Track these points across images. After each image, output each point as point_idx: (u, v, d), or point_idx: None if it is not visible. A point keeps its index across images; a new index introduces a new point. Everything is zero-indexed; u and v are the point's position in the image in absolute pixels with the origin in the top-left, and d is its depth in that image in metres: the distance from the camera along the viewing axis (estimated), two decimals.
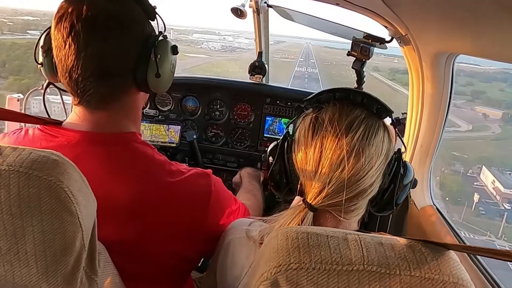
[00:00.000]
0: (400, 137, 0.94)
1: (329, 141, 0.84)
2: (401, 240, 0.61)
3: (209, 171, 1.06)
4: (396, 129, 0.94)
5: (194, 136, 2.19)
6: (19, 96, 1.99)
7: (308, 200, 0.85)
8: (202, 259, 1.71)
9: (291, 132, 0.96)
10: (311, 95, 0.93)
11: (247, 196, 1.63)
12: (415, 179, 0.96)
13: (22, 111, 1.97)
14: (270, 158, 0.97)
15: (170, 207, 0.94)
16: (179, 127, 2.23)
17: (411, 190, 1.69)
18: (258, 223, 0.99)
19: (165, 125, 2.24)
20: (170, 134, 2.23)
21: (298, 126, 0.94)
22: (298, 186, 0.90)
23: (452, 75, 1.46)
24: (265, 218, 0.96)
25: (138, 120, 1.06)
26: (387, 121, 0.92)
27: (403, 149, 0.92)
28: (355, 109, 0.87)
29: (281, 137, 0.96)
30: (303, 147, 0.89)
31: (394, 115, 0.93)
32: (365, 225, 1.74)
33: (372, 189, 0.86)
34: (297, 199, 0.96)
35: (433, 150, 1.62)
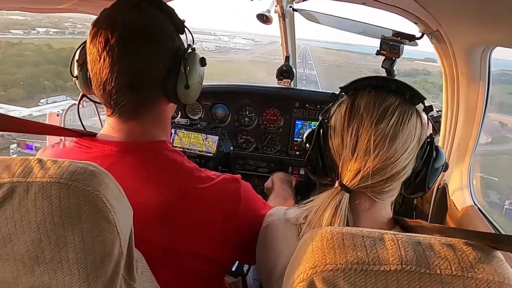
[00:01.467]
0: (431, 122, 0.96)
1: (365, 126, 0.88)
2: (441, 239, 0.59)
3: (238, 176, 1.07)
4: (428, 114, 0.96)
5: (231, 148, 2.22)
6: (58, 112, 2.09)
7: (344, 183, 0.90)
8: (237, 265, 1.73)
9: (326, 120, 0.99)
10: (347, 83, 0.97)
11: (278, 201, 1.63)
12: (446, 163, 0.99)
13: (62, 125, 2.07)
14: (307, 144, 1.01)
15: (200, 212, 0.96)
16: (217, 137, 2.26)
17: (450, 190, 1.64)
18: (294, 209, 1.04)
19: (203, 134, 2.27)
20: (208, 143, 2.27)
21: (334, 113, 0.97)
22: (334, 169, 0.95)
23: (489, 70, 1.40)
24: (300, 204, 1.01)
25: (168, 129, 1.09)
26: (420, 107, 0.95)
27: (435, 134, 0.95)
28: (389, 96, 0.91)
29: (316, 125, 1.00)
30: (340, 132, 0.93)
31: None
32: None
33: (406, 171, 0.90)
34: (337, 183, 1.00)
35: (472, 148, 1.55)
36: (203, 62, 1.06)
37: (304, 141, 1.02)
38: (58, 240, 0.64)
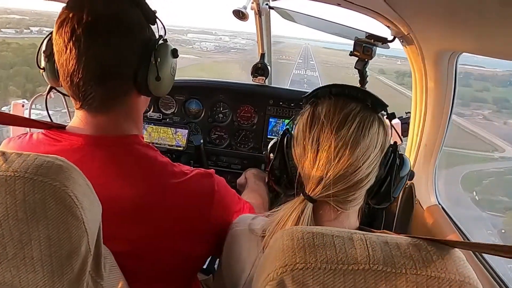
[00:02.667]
0: (395, 130, 0.97)
1: (325, 133, 0.88)
2: (407, 239, 0.61)
3: (212, 171, 1.06)
4: (391, 122, 0.97)
5: (201, 141, 2.20)
6: (23, 102, 2.01)
7: (306, 192, 0.88)
8: (208, 262, 1.72)
9: (290, 129, 0.99)
10: (309, 93, 0.97)
11: (252, 195, 1.63)
12: (411, 171, 0.99)
13: (27, 117, 1.99)
14: (271, 154, 1.00)
15: (173, 207, 0.94)
16: (187, 131, 2.24)
17: (416, 189, 1.70)
18: (261, 218, 1.02)
19: (173, 129, 2.25)
20: (178, 137, 2.24)
21: (297, 122, 0.97)
22: (297, 178, 0.94)
23: (455, 74, 1.45)
24: (268, 213, 0.99)
25: (140, 123, 1.06)
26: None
27: (399, 142, 0.96)
28: (350, 103, 0.90)
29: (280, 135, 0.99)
30: (301, 141, 0.92)
31: (398, 115, 0.95)
32: (370, 225, 1.74)
33: (369, 179, 0.90)
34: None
35: (438, 149, 1.61)
36: (175, 53, 1.04)
37: (268, 151, 1.02)
38: (22, 237, 0.62)
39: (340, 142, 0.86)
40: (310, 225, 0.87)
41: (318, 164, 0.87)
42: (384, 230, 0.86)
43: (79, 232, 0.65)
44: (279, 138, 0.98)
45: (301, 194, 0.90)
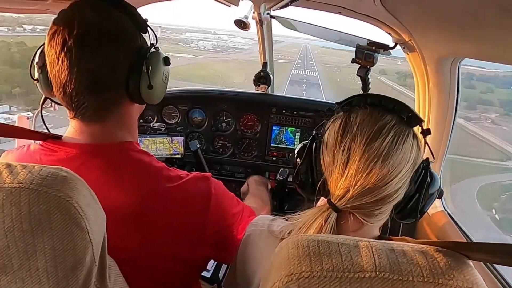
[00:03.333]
0: (429, 147, 0.94)
1: (357, 144, 0.85)
2: (413, 246, 0.61)
3: (209, 174, 1.06)
4: (426, 138, 0.93)
5: (198, 145, 2.17)
6: (28, 115, 2.03)
7: (333, 201, 0.86)
8: (213, 271, 1.71)
9: (320, 135, 0.96)
10: (344, 99, 0.94)
11: (254, 200, 1.63)
12: (441, 189, 0.96)
13: (32, 128, 2.01)
14: (298, 159, 0.98)
15: (170, 212, 0.94)
16: (182, 137, 2.24)
17: None
18: (280, 220, 1.01)
19: (169, 138, 2.25)
20: (174, 145, 2.25)
21: (328, 128, 0.94)
22: (323, 186, 0.91)
23: (458, 79, 1.45)
24: (287, 216, 0.97)
25: (135, 130, 1.07)
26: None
27: (431, 159, 0.92)
28: (386, 115, 0.87)
29: (309, 139, 0.97)
30: (332, 148, 0.89)
31: None
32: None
33: (398, 195, 0.86)
34: (322, 200, 0.97)
35: (442, 156, 1.61)
36: (167, 61, 1.04)
37: (295, 156, 1.00)
38: (27, 248, 0.62)
39: (372, 155, 0.83)
40: (331, 231, 0.86)
41: (346, 174, 0.85)
42: (403, 237, 0.84)
43: (84, 243, 0.65)
44: (307, 143, 0.96)
45: (327, 203, 0.88)
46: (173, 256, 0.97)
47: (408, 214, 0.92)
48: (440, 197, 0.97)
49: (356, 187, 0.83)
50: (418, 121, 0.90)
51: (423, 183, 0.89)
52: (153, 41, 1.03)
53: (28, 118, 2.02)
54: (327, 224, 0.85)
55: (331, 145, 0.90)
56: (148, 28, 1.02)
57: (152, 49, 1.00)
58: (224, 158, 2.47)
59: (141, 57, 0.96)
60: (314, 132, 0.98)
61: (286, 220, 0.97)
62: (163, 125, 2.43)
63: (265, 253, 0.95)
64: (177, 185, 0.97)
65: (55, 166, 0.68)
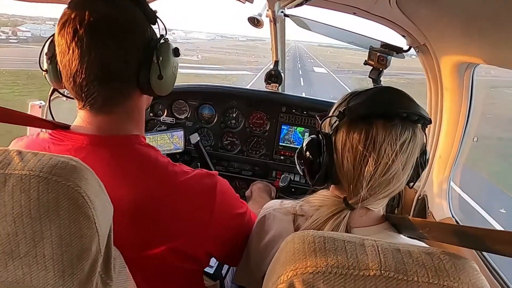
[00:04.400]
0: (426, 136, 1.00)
1: (383, 164, 0.90)
2: (419, 247, 0.60)
3: (215, 172, 1.06)
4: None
5: (198, 138, 2.18)
6: (40, 103, 2.05)
7: (348, 200, 0.93)
8: (216, 267, 1.72)
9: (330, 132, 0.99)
10: (354, 106, 0.94)
11: (256, 206, 1.64)
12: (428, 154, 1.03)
13: (44, 117, 2.03)
14: (308, 152, 1.01)
15: (174, 207, 0.94)
16: (182, 132, 2.24)
17: (429, 201, 1.68)
18: (289, 200, 1.09)
19: (168, 133, 2.25)
20: (174, 140, 2.25)
21: (340, 130, 0.96)
22: (334, 176, 0.98)
23: (472, 85, 1.43)
24: (297, 200, 1.06)
25: (142, 123, 1.07)
26: None
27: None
28: (404, 130, 0.91)
29: (318, 134, 1.01)
30: (349, 155, 0.93)
31: None
32: None
33: (403, 183, 0.96)
34: (333, 189, 1.04)
35: (452, 161, 1.59)
36: (176, 52, 1.05)
37: (304, 149, 1.02)
38: (34, 235, 0.62)
39: (396, 170, 0.90)
40: (345, 228, 0.92)
41: (371, 184, 0.90)
42: (403, 216, 0.90)
43: (91, 233, 0.66)
44: (321, 138, 0.99)
45: (342, 201, 0.94)
46: (176, 251, 0.97)
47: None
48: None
49: (373, 193, 0.91)
50: (425, 120, 0.94)
51: (424, 160, 0.98)
52: (163, 32, 1.04)
53: (40, 107, 2.04)
54: (343, 222, 0.92)
55: (351, 154, 0.93)
56: (158, 19, 1.02)
57: (162, 40, 1.00)
58: (232, 155, 2.47)
59: (152, 48, 0.97)
60: (320, 127, 1.02)
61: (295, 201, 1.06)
62: (173, 119, 2.44)
63: (281, 229, 1.02)
64: (182, 181, 0.97)
65: (65, 155, 0.69)
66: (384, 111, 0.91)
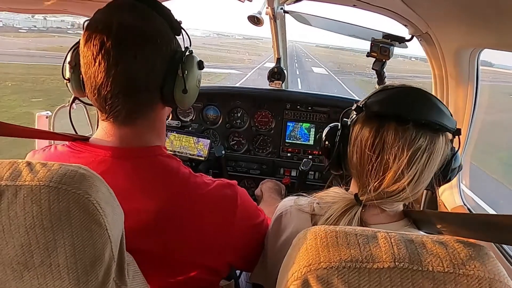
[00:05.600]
0: (459, 140, 0.94)
1: (391, 173, 0.87)
2: (433, 237, 0.60)
3: (235, 182, 1.05)
4: (458, 136, 0.94)
5: (223, 152, 2.21)
6: (47, 114, 2.06)
7: (359, 197, 0.91)
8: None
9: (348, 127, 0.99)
10: (370, 99, 0.93)
11: (269, 209, 1.63)
12: (461, 164, 0.99)
13: (51, 129, 2.05)
14: (327, 142, 1.03)
15: (196, 219, 0.94)
16: (209, 141, 2.24)
17: (439, 190, 1.66)
18: (303, 197, 1.07)
19: (195, 138, 2.26)
20: (199, 147, 2.25)
21: (355, 126, 0.95)
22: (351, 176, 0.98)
23: (477, 71, 1.42)
24: (311, 195, 1.05)
25: (163, 134, 1.06)
26: None
27: (457, 148, 0.95)
28: (418, 138, 0.86)
29: (339, 125, 1.00)
30: (358, 150, 0.93)
31: None
32: None
33: (419, 192, 0.92)
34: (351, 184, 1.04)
35: (461, 149, 1.57)
36: (201, 65, 1.04)
37: (324, 138, 1.04)
38: (48, 245, 0.63)
39: (406, 181, 0.86)
40: (358, 224, 0.90)
41: (379, 190, 0.88)
42: (422, 210, 0.87)
43: (103, 239, 0.66)
44: (338, 129, 0.99)
45: (354, 197, 0.92)
46: (195, 263, 0.97)
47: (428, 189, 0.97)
48: (460, 170, 1.00)
49: (385, 194, 0.88)
50: (448, 129, 0.89)
51: (447, 169, 0.93)
52: (187, 44, 1.03)
53: (47, 117, 2.06)
54: (355, 218, 0.90)
55: (358, 150, 0.92)
56: (182, 30, 1.01)
57: (187, 53, 0.99)
58: (239, 154, 2.47)
59: (177, 61, 0.96)
60: (341, 122, 1.00)
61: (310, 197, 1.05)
62: (178, 122, 2.45)
63: (296, 224, 1.01)
64: (204, 192, 0.96)
65: (74, 164, 0.69)
66: (399, 113, 0.87)
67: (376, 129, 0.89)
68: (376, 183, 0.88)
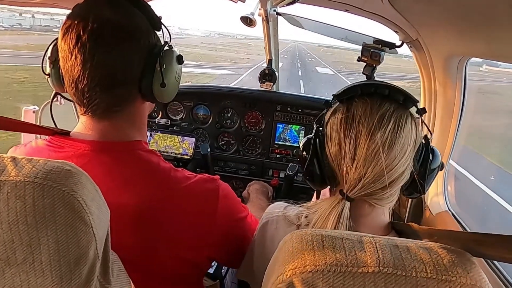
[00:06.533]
0: (425, 125, 0.97)
1: (362, 135, 0.88)
2: (417, 242, 0.61)
3: (217, 176, 1.05)
4: (422, 116, 0.96)
5: (208, 150, 2.20)
6: (34, 108, 2.03)
7: (345, 191, 0.90)
8: (215, 267, 1.72)
9: (321, 128, 0.99)
10: (339, 90, 0.97)
11: (255, 209, 1.63)
12: (442, 162, 1.00)
13: (38, 123, 2.02)
14: (304, 153, 1.01)
15: (177, 213, 0.94)
16: (194, 139, 2.24)
17: (425, 196, 1.68)
18: (293, 207, 1.06)
19: (180, 137, 2.25)
20: (184, 146, 2.24)
21: (329, 121, 0.97)
22: (332, 176, 0.96)
23: (465, 79, 1.44)
24: (300, 203, 1.03)
25: (144, 129, 1.06)
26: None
27: (429, 135, 0.96)
28: (384, 103, 0.91)
29: (313, 134, 1.00)
30: (337, 141, 0.93)
31: None
32: None
33: (404, 176, 0.91)
34: (328, 192, 1.04)
35: (447, 155, 1.60)
36: (180, 60, 1.04)
37: (301, 149, 1.02)
38: (31, 241, 0.62)
39: (377, 145, 0.87)
40: (348, 223, 0.90)
41: (356, 165, 0.88)
42: (410, 223, 0.87)
43: (88, 237, 0.65)
44: (312, 137, 0.99)
45: (339, 194, 0.92)
46: (177, 257, 0.97)
47: (413, 190, 0.96)
48: (441, 169, 1.00)
49: (366, 176, 0.88)
50: (413, 102, 0.93)
51: (426, 160, 0.94)
52: (167, 39, 1.03)
53: (34, 112, 2.03)
54: (343, 214, 0.89)
55: (335, 138, 0.93)
56: (162, 25, 1.01)
57: (166, 47, 0.99)
58: (228, 155, 2.47)
59: (155, 55, 0.96)
60: (315, 125, 1.00)
61: (299, 206, 1.03)
62: (168, 121, 2.44)
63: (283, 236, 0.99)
64: (185, 186, 0.96)
65: (60, 160, 0.68)
66: (364, 89, 0.93)
67: (347, 108, 0.93)
68: (352, 153, 0.89)
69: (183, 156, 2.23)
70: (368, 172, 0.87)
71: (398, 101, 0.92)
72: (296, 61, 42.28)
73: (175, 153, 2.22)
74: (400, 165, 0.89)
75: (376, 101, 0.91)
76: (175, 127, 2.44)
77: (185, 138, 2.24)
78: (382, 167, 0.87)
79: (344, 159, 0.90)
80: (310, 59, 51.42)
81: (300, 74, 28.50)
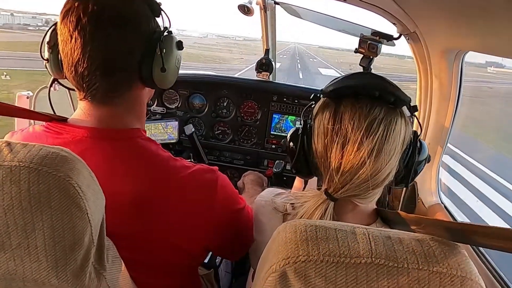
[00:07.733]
0: (417, 119, 0.96)
1: (349, 145, 0.86)
2: (409, 234, 0.61)
3: (215, 168, 1.05)
4: (414, 113, 0.95)
5: (192, 129, 2.17)
6: (28, 94, 2.01)
7: (329, 192, 0.89)
8: (210, 257, 1.73)
9: (309, 121, 0.98)
10: (328, 85, 0.95)
11: (250, 201, 1.64)
12: (429, 155, 0.99)
13: (32, 109, 2.00)
14: (291, 143, 1.00)
15: (174, 202, 0.94)
16: (176, 122, 2.22)
17: (419, 188, 1.70)
18: (283, 196, 1.06)
19: (163, 123, 2.24)
20: (169, 130, 2.24)
21: (317, 116, 0.96)
22: (318, 169, 0.95)
23: (461, 72, 1.45)
24: (293, 192, 1.05)
25: (143, 116, 1.06)
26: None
27: (419, 131, 0.95)
28: (373, 108, 0.87)
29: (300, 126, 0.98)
30: (324, 140, 0.91)
31: None
32: None
33: (390, 175, 0.90)
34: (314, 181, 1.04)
35: (442, 148, 1.61)
36: (180, 45, 1.04)
37: (288, 140, 1.02)
38: (26, 226, 0.62)
39: (365, 153, 0.85)
40: (332, 220, 0.89)
41: (341, 172, 0.87)
42: (397, 211, 0.87)
43: (83, 223, 0.66)
44: (300, 129, 0.97)
45: (323, 193, 0.90)
46: (174, 246, 0.97)
47: (400, 181, 0.96)
48: (428, 161, 1.00)
49: (351, 182, 0.87)
50: (404, 102, 0.90)
51: (413, 156, 0.93)
52: (167, 25, 1.02)
53: (27, 97, 2.00)
54: (326, 214, 0.88)
55: (322, 138, 0.92)
56: (162, 11, 1.00)
57: (166, 33, 0.99)
58: (224, 144, 2.47)
59: (155, 40, 0.96)
60: (302, 118, 0.99)
61: (288, 192, 1.05)
62: (163, 109, 2.43)
63: (268, 226, 1.01)
64: (183, 176, 0.96)
65: (55, 146, 0.68)
66: (353, 90, 0.89)
67: (335, 109, 0.91)
68: (338, 159, 0.87)
69: (169, 141, 2.22)
70: (354, 179, 0.86)
71: (389, 102, 0.88)
72: (296, 62, 40.63)
73: (161, 139, 2.21)
74: (386, 168, 0.87)
75: (365, 105, 0.88)
76: (157, 115, 2.43)
77: (168, 123, 2.23)
78: (369, 173, 0.85)
79: (330, 163, 0.89)
80: (311, 59, 49.59)
81: (300, 77, 27.13)
